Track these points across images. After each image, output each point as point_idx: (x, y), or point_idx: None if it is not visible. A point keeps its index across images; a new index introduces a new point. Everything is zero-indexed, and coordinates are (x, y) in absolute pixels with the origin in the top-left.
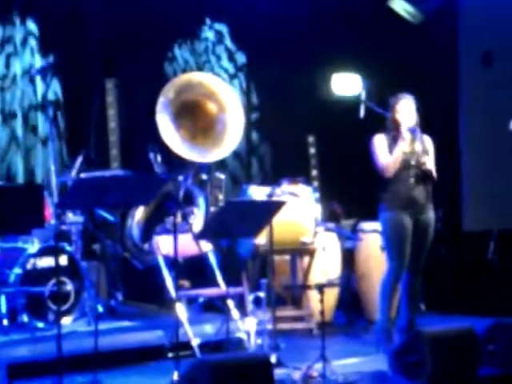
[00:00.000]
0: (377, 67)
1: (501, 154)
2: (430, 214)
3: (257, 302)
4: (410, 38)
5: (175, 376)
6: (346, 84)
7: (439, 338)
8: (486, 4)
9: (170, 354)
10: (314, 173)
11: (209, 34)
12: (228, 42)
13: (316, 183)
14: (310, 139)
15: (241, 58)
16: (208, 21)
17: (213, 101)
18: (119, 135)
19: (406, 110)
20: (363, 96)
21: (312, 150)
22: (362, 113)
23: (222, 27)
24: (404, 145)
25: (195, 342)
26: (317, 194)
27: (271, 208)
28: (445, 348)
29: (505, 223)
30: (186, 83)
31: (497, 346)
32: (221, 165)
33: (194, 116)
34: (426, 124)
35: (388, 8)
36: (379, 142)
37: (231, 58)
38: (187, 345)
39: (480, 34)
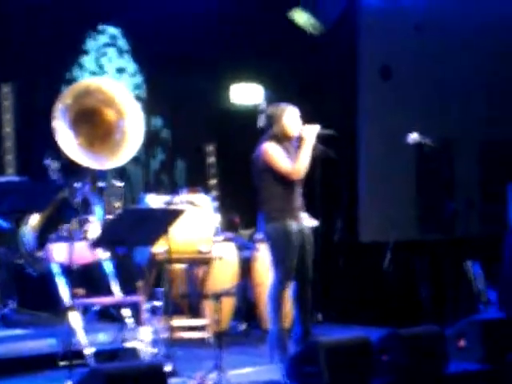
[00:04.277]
0: (277, 78)
1: (398, 167)
2: (306, 218)
3: (153, 310)
4: (310, 49)
5: None
6: (246, 94)
7: (335, 348)
8: (385, 18)
9: (63, 363)
10: (213, 182)
11: (102, 37)
12: (121, 43)
13: (215, 192)
14: (210, 148)
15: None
16: (101, 25)
17: (111, 108)
18: (15, 141)
19: (293, 119)
20: (263, 106)
21: (211, 159)
22: (261, 122)
23: (115, 30)
24: (309, 147)
25: (89, 351)
26: (216, 204)
27: (169, 216)
28: (340, 358)
29: (400, 235)
30: (84, 89)
31: (390, 357)
32: (121, 172)
33: (92, 123)
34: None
35: (289, 19)
36: (274, 149)
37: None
38: (81, 353)
39: (379, 47)
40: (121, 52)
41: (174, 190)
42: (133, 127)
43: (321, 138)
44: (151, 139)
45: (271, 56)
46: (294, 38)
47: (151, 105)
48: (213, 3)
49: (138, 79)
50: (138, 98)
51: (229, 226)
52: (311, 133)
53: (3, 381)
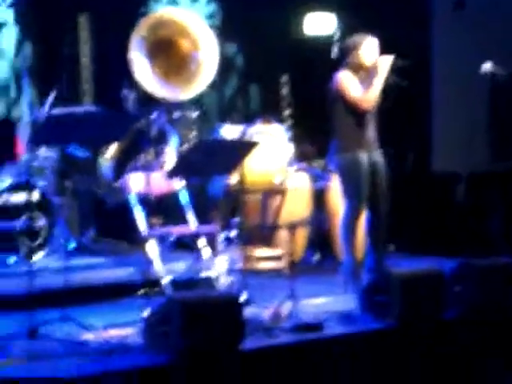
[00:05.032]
0: (349, 8)
1: (472, 96)
2: (380, 153)
3: (228, 240)
4: None
5: (145, 313)
6: (320, 23)
7: (407, 279)
8: None
9: (141, 291)
10: (287, 112)
11: None
12: None
13: (289, 122)
14: (283, 79)
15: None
16: None
17: (186, 38)
18: (92, 71)
19: (371, 49)
20: (337, 36)
21: (285, 90)
22: (335, 53)
23: None
24: (382, 78)
25: (166, 280)
26: (289, 134)
27: (243, 148)
28: (413, 288)
29: (473, 165)
30: (158, 20)
31: (463, 288)
32: (196, 101)
33: (167, 53)
34: (399, 66)
35: None
36: (347, 77)
37: None
38: (158, 282)
39: None
40: None
41: (248, 117)
42: (207, 57)
43: (395, 69)
44: (225, 66)
45: None
46: None
47: (225, 32)
48: None
49: (212, 8)
50: (211, 26)
51: (303, 156)
52: (385, 63)
53: (83, 308)
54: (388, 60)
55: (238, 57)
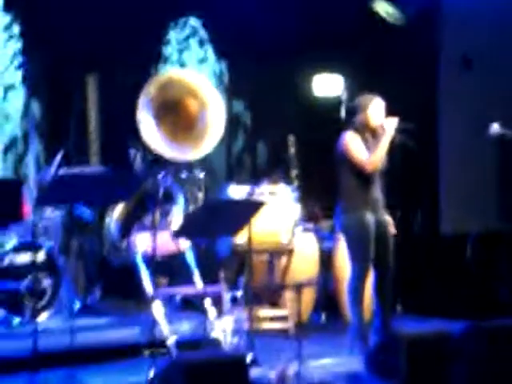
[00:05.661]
0: (357, 68)
1: (479, 158)
2: (385, 212)
3: (234, 301)
4: (391, 40)
5: (151, 374)
6: (328, 84)
7: (415, 341)
8: (468, 7)
9: (146, 352)
10: (294, 173)
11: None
12: (202, 33)
13: (296, 183)
14: (291, 139)
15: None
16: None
17: (194, 99)
18: (99, 130)
19: (378, 111)
20: (344, 97)
21: (292, 150)
22: (342, 113)
23: (196, 22)
24: (387, 140)
25: (171, 340)
26: (296, 194)
27: (251, 208)
28: (420, 351)
29: (481, 226)
30: (167, 81)
31: (470, 350)
32: (203, 159)
33: (175, 114)
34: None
35: (370, 9)
36: (353, 138)
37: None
38: (164, 343)
39: (461, 37)
40: (202, 43)
41: (255, 176)
42: (215, 118)
43: (401, 130)
44: (233, 123)
45: (352, 46)
46: (376, 28)
47: (233, 90)
48: None
49: (220, 66)
50: (220, 83)
51: (310, 216)
52: (391, 125)
53: (88, 368)
54: (393, 122)
55: (246, 114)
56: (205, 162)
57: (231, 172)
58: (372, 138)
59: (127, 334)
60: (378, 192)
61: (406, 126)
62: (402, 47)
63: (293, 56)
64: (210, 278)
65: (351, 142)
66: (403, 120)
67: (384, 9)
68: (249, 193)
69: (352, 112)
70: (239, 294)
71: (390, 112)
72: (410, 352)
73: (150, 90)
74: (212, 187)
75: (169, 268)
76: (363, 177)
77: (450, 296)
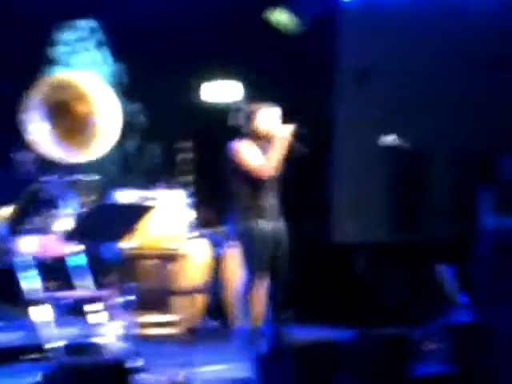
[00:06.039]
0: (254, 76)
1: (372, 168)
2: (282, 221)
3: (122, 306)
4: (287, 49)
5: (34, 379)
6: (221, 91)
7: (304, 348)
8: (364, 18)
9: (30, 356)
10: (189, 178)
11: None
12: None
13: (191, 188)
14: (186, 144)
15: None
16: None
17: (84, 101)
18: None
19: (266, 118)
20: (239, 104)
21: (188, 156)
22: (232, 120)
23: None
24: (281, 145)
25: (57, 345)
26: (191, 199)
27: (138, 212)
28: (308, 358)
29: (373, 237)
30: (58, 82)
31: (357, 358)
32: (96, 167)
33: (65, 116)
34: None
35: (265, 18)
36: (245, 145)
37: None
38: (49, 347)
39: (357, 49)
40: (100, 44)
41: (149, 178)
42: (107, 121)
43: (296, 137)
44: (127, 124)
45: (248, 54)
46: (272, 36)
47: (128, 91)
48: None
49: (117, 68)
50: (115, 84)
51: (205, 222)
52: (285, 132)
53: None
54: (287, 129)
55: (141, 116)
56: (99, 165)
57: (125, 175)
58: (265, 145)
59: (11, 337)
60: (272, 199)
61: (299, 131)
62: (298, 56)
63: (190, 61)
64: (98, 282)
65: (242, 148)
66: (298, 126)
67: (277, 18)
68: (140, 197)
69: (243, 120)
70: (128, 299)
71: (286, 120)
72: (298, 359)
73: (39, 91)
74: (106, 191)
75: (57, 271)
76: (256, 184)
77: (340, 304)
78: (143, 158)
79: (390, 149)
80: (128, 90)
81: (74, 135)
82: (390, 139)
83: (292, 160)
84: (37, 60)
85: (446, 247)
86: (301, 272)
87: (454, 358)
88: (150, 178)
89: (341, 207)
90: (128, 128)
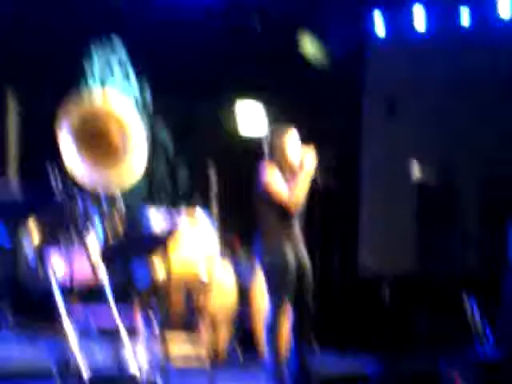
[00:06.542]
0: (282, 108)
1: (399, 201)
2: (305, 250)
3: (149, 330)
4: (316, 81)
5: None
6: (251, 122)
7: (331, 380)
8: (392, 52)
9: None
10: (214, 202)
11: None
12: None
13: (216, 213)
14: (211, 168)
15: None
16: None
17: (117, 128)
18: (18, 142)
19: (294, 143)
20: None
21: (213, 180)
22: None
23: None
24: (306, 177)
25: (86, 376)
26: (215, 224)
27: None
28: None
29: (400, 269)
30: (90, 112)
31: None
32: None
33: (95, 140)
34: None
35: (297, 48)
36: (273, 174)
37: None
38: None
39: (385, 81)
40: (121, 63)
41: (175, 202)
42: (137, 149)
43: (321, 168)
44: (155, 148)
45: (277, 85)
46: (301, 68)
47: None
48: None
49: (142, 87)
50: (142, 104)
51: (228, 247)
52: (310, 162)
53: None
54: (312, 157)
55: (167, 136)
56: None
57: (151, 194)
58: (289, 172)
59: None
60: (297, 229)
61: (326, 163)
62: (327, 87)
63: (216, 85)
64: (127, 309)
65: (271, 178)
66: (322, 155)
67: (310, 47)
68: (168, 221)
69: (270, 146)
70: (157, 327)
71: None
72: None
73: (71, 120)
74: (132, 208)
75: (86, 295)
76: (283, 213)
77: (367, 336)
78: (171, 180)
79: (417, 182)
80: (154, 109)
81: (105, 160)
82: (417, 173)
83: (317, 193)
84: (72, 74)
85: (475, 280)
86: (329, 305)
87: None
88: (176, 199)
89: (368, 240)
90: (154, 147)
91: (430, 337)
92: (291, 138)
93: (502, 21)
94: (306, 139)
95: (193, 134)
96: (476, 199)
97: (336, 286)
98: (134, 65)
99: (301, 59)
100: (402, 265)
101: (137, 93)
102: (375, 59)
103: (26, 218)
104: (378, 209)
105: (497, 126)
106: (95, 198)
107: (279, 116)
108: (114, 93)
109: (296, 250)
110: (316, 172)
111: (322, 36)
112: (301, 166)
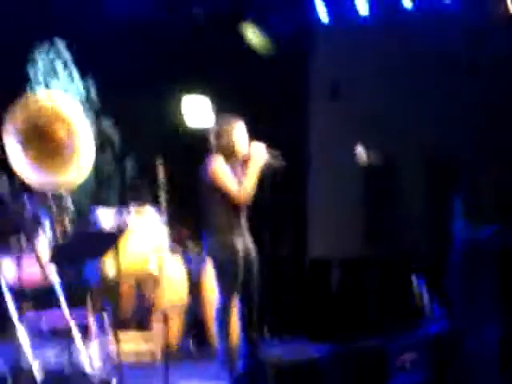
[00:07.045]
0: (227, 94)
1: (346, 182)
2: (251, 240)
3: (101, 328)
4: (260, 66)
5: None
6: (196, 110)
7: (281, 366)
8: (335, 37)
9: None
10: (162, 195)
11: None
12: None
13: (164, 205)
14: (160, 162)
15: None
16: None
17: (62, 126)
18: None
19: (241, 136)
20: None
21: (161, 173)
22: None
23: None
24: (257, 168)
25: (36, 369)
26: (164, 217)
27: (115, 235)
28: (287, 376)
29: (347, 250)
30: (35, 108)
31: (335, 374)
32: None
33: (42, 141)
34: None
35: (240, 34)
36: (221, 165)
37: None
38: (29, 372)
39: (330, 66)
40: (66, 64)
41: (123, 197)
42: (83, 145)
43: (268, 154)
44: (100, 141)
45: (219, 71)
46: (244, 54)
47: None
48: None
49: (86, 84)
50: (86, 100)
51: (178, 240)
52: (259, 153)
53: None
54: (261, 149)
55: (113, 133)
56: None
57: (99, 192)
58: (238, 163)
59: None
60: (244, 218)
61: (273, 155)
62: (271, 73)
63: (161, 79)
64: (77, 304)
65: (220, 169)
66: (270, 146)
67: (250, 36)
68: (117, 216)
69: (217, 136)
70: (106, 320)
71: (258, 139)
72: (277, 378)
73: (16, 117)
74: (82, 207)
75: (36, 294)
76: (232, 204)
77: (316, 319)
78: (118, 175)
79: (364, 164)
80: (100, 106)
81: (52, 160)
82: (362, 154)
83: (266, 178)
84: (16, 80)
85: (422, 258)
86: (276, 289)
87: (429, 368)
88: (124, 196)
89: (317, 222)
90: (101, 145)
91: (380, 319)
92: (238, 127)
93: (444, 3)
94: (251, 125)
95: (139, 129)
96: (421, 180)
97: (285, 272)
98: (78, 64)
99: (243, 46)
100: (350, 248)
101: (82, 92)
102: (319, 44)
103: None
104: (326, 193)
105: (438, 108)
106: (43, 198)
107: (224, 106)
108: (59, 93)
109: (243, 240)
110: (265, 162)
111: (264, 23)
112: (250, 158)
